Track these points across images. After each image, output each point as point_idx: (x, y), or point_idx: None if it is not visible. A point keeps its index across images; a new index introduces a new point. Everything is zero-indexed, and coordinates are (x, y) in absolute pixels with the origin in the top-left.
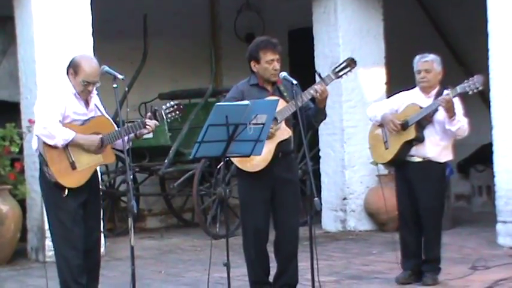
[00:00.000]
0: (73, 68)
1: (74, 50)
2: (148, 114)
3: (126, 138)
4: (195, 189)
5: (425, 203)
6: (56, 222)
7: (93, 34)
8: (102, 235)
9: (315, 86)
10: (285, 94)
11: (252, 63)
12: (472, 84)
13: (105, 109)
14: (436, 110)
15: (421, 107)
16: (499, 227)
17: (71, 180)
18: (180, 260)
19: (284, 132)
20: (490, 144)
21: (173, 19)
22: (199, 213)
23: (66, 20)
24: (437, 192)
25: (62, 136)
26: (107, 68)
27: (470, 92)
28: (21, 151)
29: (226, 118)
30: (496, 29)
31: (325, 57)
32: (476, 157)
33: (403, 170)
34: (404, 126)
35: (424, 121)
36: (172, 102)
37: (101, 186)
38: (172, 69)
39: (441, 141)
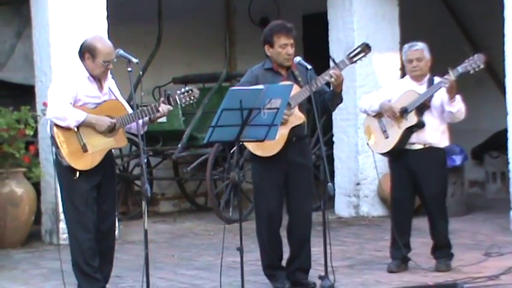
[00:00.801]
0: (89, 51)
1: (88, 34)
2: (162, 98)
3: (140, 122)
4: (208, 173)
5: (430, 190)
6: (69, 204)
7: (107, 18)
8: (116, 219)
9: (330, 71)
10: (300, 79)
11: (266, 47)
12: (473, 63)
13: (120, 92)
14: (434, 94)
15: (418, 94)
16: None
17: (82, 162)
18: (193, 244)
19: (298, 117)
20: (505, 131)
21: (187, 3)
22: (213, 198)
23: (81, 3)
24: (442, 178)
25: (73, 117)
26: (121, 52)
27: (471, 71)
28: (35, 134)
29: (240, 102)
30: None
31: (340, 42)
32: (491, 143)
33: (403, 159)
34: (403, 113)
35: (423, 107)
36: (187, 88)
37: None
38: (186, 53)
39: (440, 126)
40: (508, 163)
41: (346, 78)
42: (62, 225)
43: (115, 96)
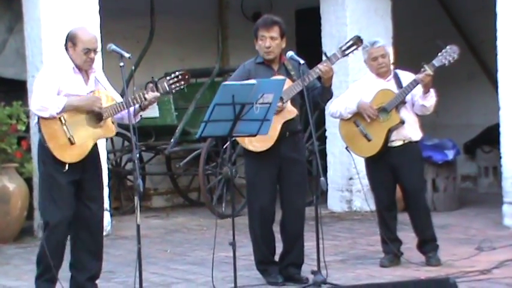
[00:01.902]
0: (71, 40)
1: None
2: (150, 85)
3: (131, 110)
4: (201, 168)
5: (413, 185)
6: (47, 195)
7: (99, 12)
8: (105, 214)
9: (320, 65)
10: (292, 73)
11: (254, 41)
12: (447, 55)
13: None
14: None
15: (393, 92)
16: (505, 208)
17: (70, 155)
18: (186, 239)
19: (290, 111)
20: (497, 125)
21: None
22: (205, 193)
23: None
24: (421, 171)
25: (54, 104)
26: (113, 47)
27: (447, 63)
28: (27, 129)
29: (232, 97)
30: (505, 9)
31: (332, 36)
32: (483, 138)
33: (382, 158)
34: (381, 112)
35: (400, 104)
36: (177, 72)
37: (107, 165)
38: (178, 48)
39: (415, 119)
40: (500, 158)
41: (339, 72)
42: None
43: (103, 87)
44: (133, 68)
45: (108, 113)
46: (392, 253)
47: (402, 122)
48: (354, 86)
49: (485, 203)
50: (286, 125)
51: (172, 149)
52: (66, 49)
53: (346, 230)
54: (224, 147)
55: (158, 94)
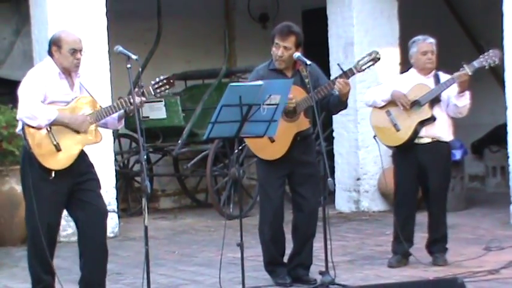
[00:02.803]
0: (55, 44)
1: (87, 31)
2: (136, 89)
3: (116, 116)
4: (208, 169)
5: (436, 184)
6: (30, 204)
7: (106, 14)
8: (113, 216)
9: (336, 82)
10: (307, 80)
11: (271, 46)
12: (488, 58)
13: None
14: (447, 88)
15: (429, 87)
16: None
17: (57, 162)
18: (194, 240)
19: (303, 123)
20: (505, 125)
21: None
22: (213, 194)
23: (80, 0)
24: (447, 172)
25: (44, 116)
26: (120, 49)
27: (487, 66)
28: None
29: (239, 98)
30: (511, 8)
31: (339, 37)
32: (491, 138)
33: (410, 153)
34: (414, 105)
35: (435, 100)
36: (162, 77)
37: (114, 167)
38: (185, 49)
39: (448, 120)
40: (507, 157)
41: None
42: (62, 222)
43: (88, 93)
44: (140, 69)
45: (94, 119)
46: (401, 253)
47: (433, 118)
48: (393, 78)
49: (493, 203)
50: (299, 133)
51: (180, 150)
52: (51, 54)
53: (354, 231)
54: (235, 149)
55: (144, 99)
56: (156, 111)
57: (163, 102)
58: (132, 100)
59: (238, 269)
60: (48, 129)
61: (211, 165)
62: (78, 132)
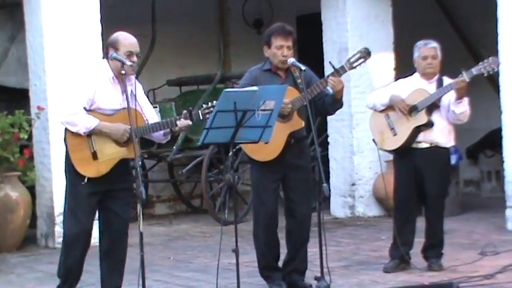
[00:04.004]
0: (112, 45)
1: (82, 37)
2: (184, 112)
3: (161, 133)
4: (203, 175)
5: (433, 189)
6: (68, 206)
7: (101, 20)
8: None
9: (328, 79)
10: (299, 81)
11: (265, 48)
12: (487, 65)
13: (148, 99)
14: (444, 94)
15: (428, 92)
16: (509, 212)
17: (90, 169)
18: (189, 246)
19: (297, 122)
20: (499, 130)
21: (181, 5)
22: (208, 200)
23: (75, 6)
24: (445, 178)
25: (84, 123)
26: (115, 55)
27: (485, 74)
28: (30, 138)
29: (234, 104)
30: (506, 13)
31: (334, 42)
32: (485, 142)
33: (408, 157)
34: (413, 110)
35: (433, 106)
36: (210, 103)
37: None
38: (180, 55)
39: (447, 126)
40: (502, 162)
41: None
42: (58, 229)
43: (138, 104)
44: (134, 75)
45: (135, 134)
46: (399, 258)
47: (430, 124)
48: (396, 82)
49: (488, 208)
50: (292, 133)
51: (175, 156)
52: (107, 56)
53: (349, 236)
54: (228, 154)
55: (190, 122)
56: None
57: (158, 108)
58: (177, 122)
59: (233, 275)
60: (89, 135)
61: (206, 171)
62: (118, 143)
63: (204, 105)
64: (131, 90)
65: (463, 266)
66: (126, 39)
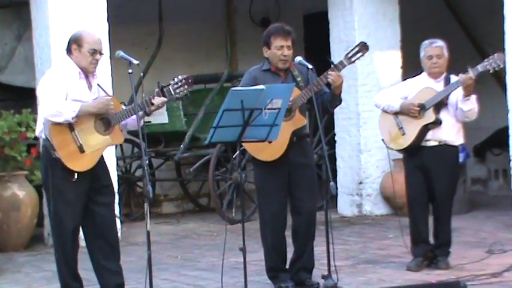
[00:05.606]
0: (75, 42)
1: None
2: (156, 90)
3: (135, 117)
4: (211, 174)
5: (442, 188)
6: (56, 205)
7: (108, 19)
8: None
9: (328, 74)
10: (299, 79)
11: (264, 49)
12: (493, 62)
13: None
14: (451, 92)
15: (435, 91)
16: None
17: (80, 164)
18: (196, 245)
19: (299, 120)
20: (506, 128)
21: (188, 4)
22: (215, 198)
23: (81, 5)
24: (454, 176)
25: (69, 109)
26: (122, 53)
27: (491, 70)
28: (37, 137)
29: (241, 103)
30: None
31: (341, 41)
32: (493, 141)
33: (417, 156)
34: (421, 109)
35: (441, 104)
36: (180, 77)
37: (117, 172)
38: (187, 54)
39: (456, 124)
40: (510, 160)
41: (348, 77)
42: None
43: (105, 92)
44: (142, 74)
45: (116, 119)
46: (421, 255)
47: (438, 122)
48: (404, 82)
49: (496, 206)
50: (295, 131)
51: (182, 155)
52: (70, 52)
53: (357, 234)
54: (236, 154)
55: (165, 99)
56: (158, 116)
57: (165, 107)
58: (153, 101)
59: (240, 274)
60: (72, 129)
61: (213, 169)
62: (101, 132)
63: (172, 81)
64: (97, 84)
65: (471, 264)
66: (90, 37)
